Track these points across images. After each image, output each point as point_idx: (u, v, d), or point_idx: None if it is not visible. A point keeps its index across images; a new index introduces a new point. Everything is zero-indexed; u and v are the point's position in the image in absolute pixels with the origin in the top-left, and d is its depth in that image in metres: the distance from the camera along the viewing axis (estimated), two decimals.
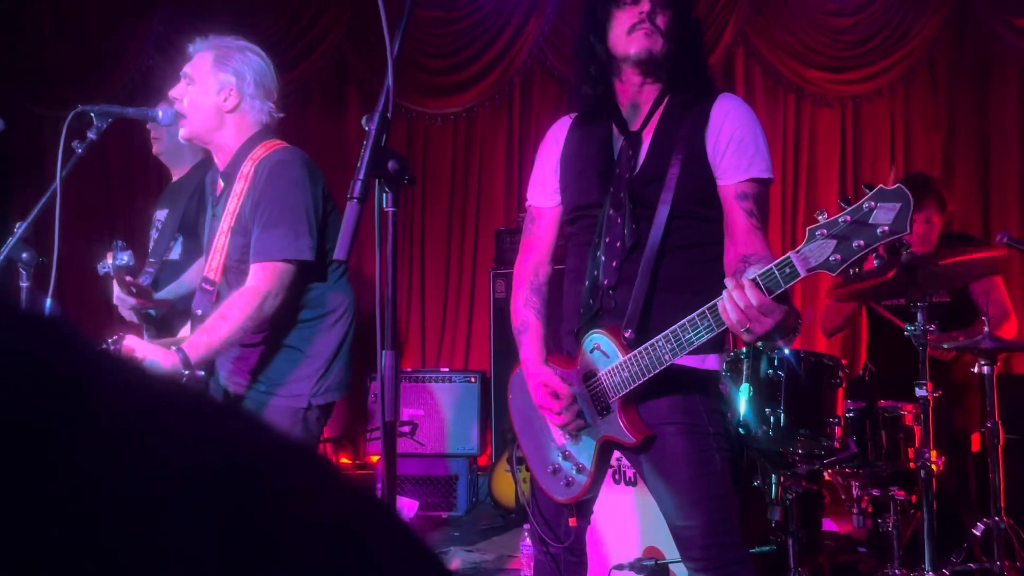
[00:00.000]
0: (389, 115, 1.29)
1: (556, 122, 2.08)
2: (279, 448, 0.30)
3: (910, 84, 5.11)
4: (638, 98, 1.93)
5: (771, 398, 2.72)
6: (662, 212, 1.82)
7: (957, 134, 5.07)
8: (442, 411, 4.71)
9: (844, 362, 2.86)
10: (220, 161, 2.35)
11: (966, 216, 4.96)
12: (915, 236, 3.58)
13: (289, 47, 5.29)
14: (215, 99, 2.28)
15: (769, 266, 1.57)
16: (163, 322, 2.76)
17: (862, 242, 1.49)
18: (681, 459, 1.81)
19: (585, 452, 1.94)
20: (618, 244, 1.86)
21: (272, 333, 2.28)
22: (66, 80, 5.27)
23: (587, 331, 1.88)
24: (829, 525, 3.64)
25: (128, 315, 2.81)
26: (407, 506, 4.59)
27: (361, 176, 1.26)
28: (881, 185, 1.49)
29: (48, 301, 2.13)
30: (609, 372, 1.83)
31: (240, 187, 2.26)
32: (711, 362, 1.89)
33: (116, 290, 2.45)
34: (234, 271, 2.26)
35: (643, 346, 1.76)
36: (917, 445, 2.90)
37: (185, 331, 2.39)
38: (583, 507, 2.00)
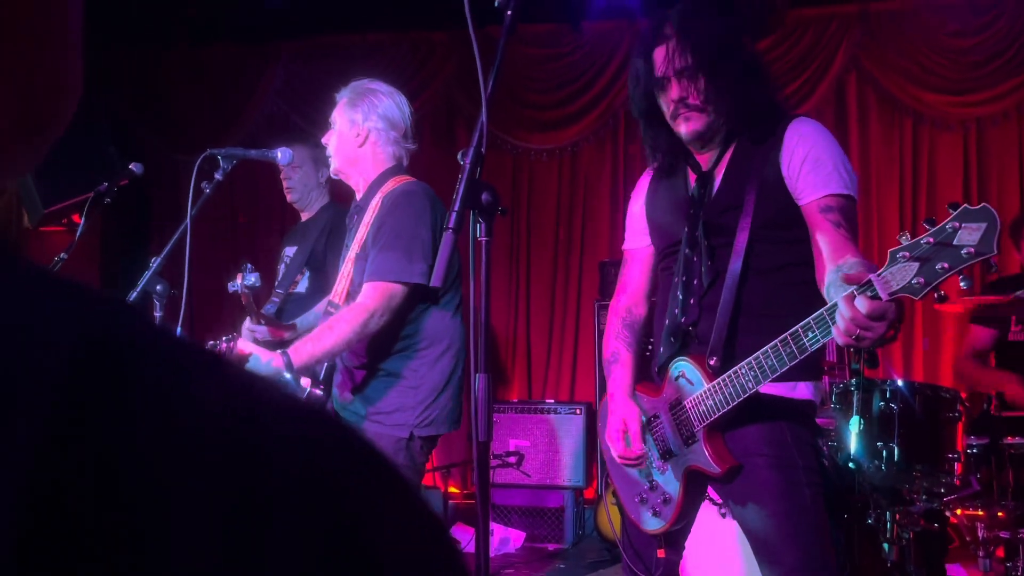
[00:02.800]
0: (483, 150, 1.35)
1: (643, 174, 2.14)
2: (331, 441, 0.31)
3: None
4: (707, 147, 1.95)
5: (884, 432, 2.62)
6: (741, 238, 1.81)
7: None
8: (548, 442, 4.73)
9: (963, 395, 2.73)
10: (358, 194, 2.54)
11: None
12: None
13: (402, 87, 5.49)
14: (348, 136, 2.49)
15: (851, 289, 1.51)
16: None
17: (946, 264, 1.42)
18: (768, 493, 1.76)
19: (672, 482, 1.92)
20: (695, 282, 1.87)
21: (379, 359, 2.37)
22: (197, 127, 5.67)
23: (673, 359, 1.88)
24: (956, 571, 3.44)
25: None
26: (513, 537, 4.62)
27: (456, 208, 1.33)
28: (965, 205, 1.42)
29: (179, 330, 2.30)
30: (694, 400, 1.81)
31: (368, 217, 2.41)
32: (802, 390, 1.83)
33: (246, 323, 2.62)
34: (357, 295, 2.36)
35: (727, 373, 1.74)
36: None
37: None
38: (672, 538, 1.97)
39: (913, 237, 1.46)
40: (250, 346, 2.27)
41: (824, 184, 1.78)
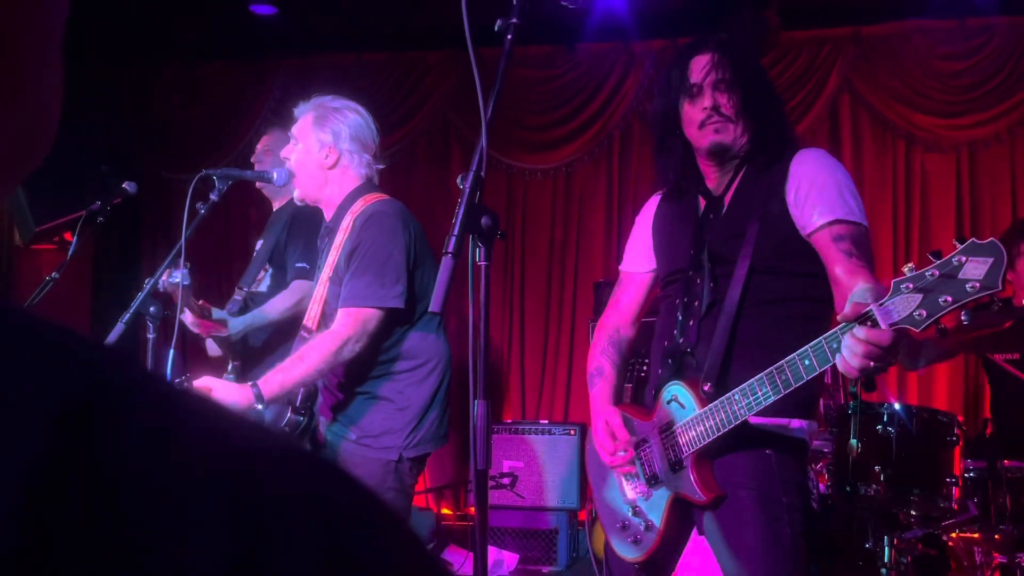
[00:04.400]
0: (483, 174, 1.34)
1: (650, 198, 2.13)
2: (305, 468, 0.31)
3: None
4: (720, 169, 1.94)
5: (882, 455, 2.61)
6: (741, 268, 1.79)
7: None
8: (542, 463, 4.70)
9: (960, 419, 2.72)
10: (328, 216, 2.47)
11: None
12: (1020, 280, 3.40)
13: (396, 108, 5.52)
14: (317, 158, 2.40)
15: (849, 322, 1.50)
16: (249, 362, 2.89)
17: (949, 298, 1.40)
18: (748, 527, 1.73)
19: (656, 509, 1.87)
20: (696, 303, 1.85)
21: (361, 382, 2.34)
22: (191, 145, 5.66)
23: (667, 383, 1.86)
24: None
25: (212, 349, 2.97)
26: (507, 559, 4.57)
27: (456, 232, 1.31)
28: (973, 238, 1.41)
29: (171, 352, 2.27)
30: (685, 425, 1.79)
31: (339, 239, 2.36)
32: (796, 426, 1.80)
33: (187, 316, 2.56)
34: (331, 319, 2.33)
35: (719, 400, 1.72)
36: None
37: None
38: (655, 569, 1.91)
39: (919, 268, 1.45)
40: (215, 384, 2.22)
41: (829, 210, 1.76)
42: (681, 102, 1.89)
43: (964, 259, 1.40)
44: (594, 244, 5.50)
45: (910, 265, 1.45)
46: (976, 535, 2.84)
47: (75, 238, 2.82)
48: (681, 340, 1.86)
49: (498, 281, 5.49)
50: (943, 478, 2.61)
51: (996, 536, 2.83)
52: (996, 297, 1.41)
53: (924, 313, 1.42)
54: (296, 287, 2.97)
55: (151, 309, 2.28)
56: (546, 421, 4.99)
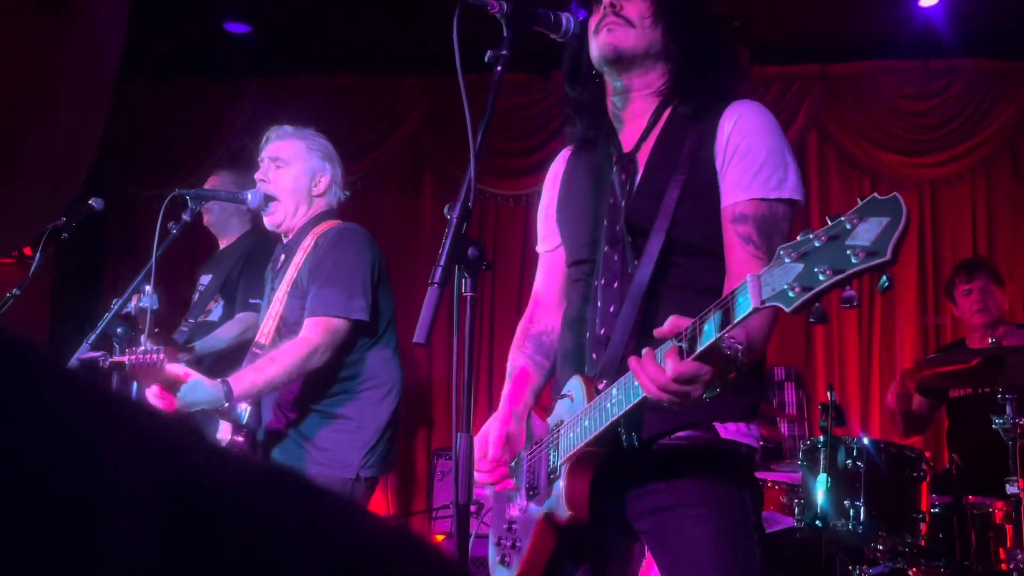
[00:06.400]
0: (470, 205, 1.33)
1: (559, 155, 1.84)
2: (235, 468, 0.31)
3: (991, 167, 5.02)
4: (633, 113, 1.62)
5: (850, 490, 2.62)
6: (655, 244, 1.49)
7: None
8: None
9: (928, 454, 2.75)
10: (285, 237, 2.53)
11: None
12: (969, 307, 3.46)
13: (369, 130, 5.50)
14: (305, 182, 2.47)
15: (708, 310, 1.21)
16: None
17: (828, 269, 1.07)
18: (701, 552, 1.45)
19: (528, 527, 1.56)
20: (615, 284, 1.55)
21: (319, 399, 2.36)
22: (160, 162, 5.58)
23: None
24: None
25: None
26: None
27: (442, 262, 1.30)
28: (875, 193, 1.08)
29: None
30: (568, 424, 1.50)
31: (299, 258, 2.42)
32: (733, 432, 1.50)
33: (144, 344, 2.55)
34: (289, 332, 2.36)
35: (599, 395, 1.43)
36: (1009, 545, 2.74)
37: None
38: None
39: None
40: (192, 372, 2.23)
41: (748, 184, 1.47)
42: (588, 18, 1.60)
43: (858, 220, 1.07)
44: None
45: (807, 229, 1.13)
46: (943, 571, 2.87)
47: (37, 254, 2.75)
48: (602, 332, 1.54)
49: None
50: (910, 513, 2.63)
51: (961, 573, 2.86)
52: (889, 277, 1.06)
53: (798, 288, 1.09)
54: (242, 318, 3.05)
55: (118, 331, 2.24)
56: None
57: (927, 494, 2.69)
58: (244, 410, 2.31)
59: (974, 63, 4.91)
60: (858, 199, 1.11)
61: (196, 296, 3.35)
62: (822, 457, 2.66)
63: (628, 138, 1.63)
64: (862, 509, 2.58)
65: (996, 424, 2.70)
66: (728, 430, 1.50)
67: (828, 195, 5.22)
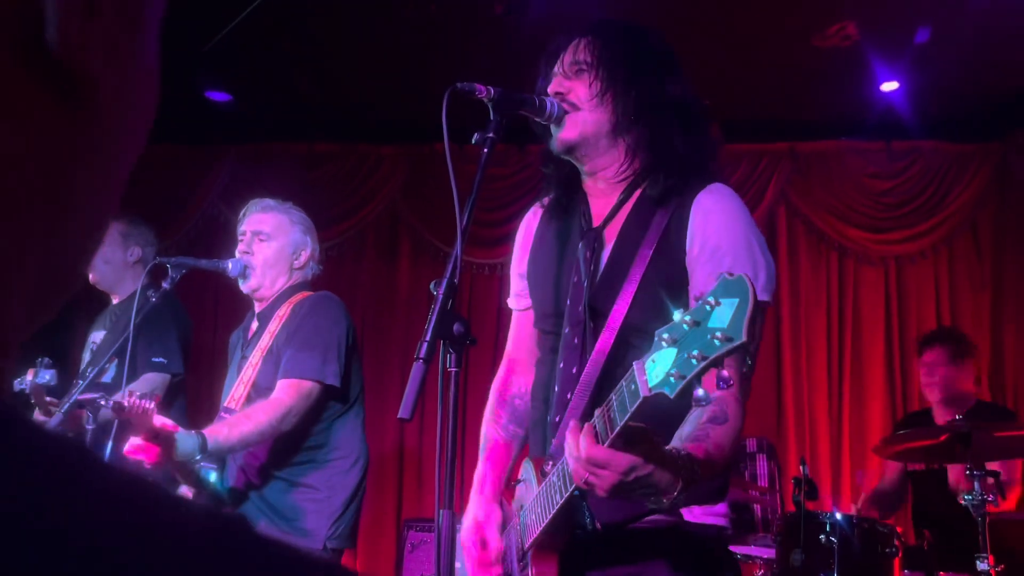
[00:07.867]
0: (456, 281, 1.36)
1: (529, 211, 1.81)
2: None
3: (953, 245, 5.17)
4: (603, 190, 1.62)
5: (824, 565, 2.63)
6: (611, 329, 1.47)
7: (1005, 295, 5.06)
8: None
9: (900, 530, 2.77)
10: (259, 306, 2.57)
11: (1018, 378, 4.87)
12: (923, 381, 3.51)
13: (348, 197, 5.55)
14: (287, 254, 2.55)
15: (612, 393, 1.20)
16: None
17: (698, 354, 1.07)
18: None
19: None
20: (573, 370, 1.52)
21: (284, 467, 2.37)
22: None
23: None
24: None
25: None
26: None
27: (428, 338, 1.32)
28: (724, 273, 1.08)
29: (110, 444, 2.19)
30: (527, 509, 1.50)
31: (274, 326, 2.46)
32: (699, 515, 1.48)
33: (36, 413, 2.52)
34: (260, 397, 2.37)
35: (547, 479, 1.42)
36: None
37: None
38: None
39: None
40: (175, 424, 2.22)
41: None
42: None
43: (715, 303, 1.07)
44: None
45: (680, 309, 1.12)
46: None
47: None
48: (557, 418, 1.53)
49: (436, 374, 5.46)
50: None
51: None
52: (751, 356, 1.08)
53: (677, 373, 1.09)
54: (148, 379, 2.93)
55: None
56: None
57: (899, 570, 2.70)
58: (208, 471, 2.29)
59: (934, 144, 5.11)
60: (715, 277, 1.11)
61: (87, 355, 3.14)
62: (797, 532, 2.67)
63: (599, 211, 1.62)
64: None
65: (965, 500, 2.73)
66: (694, 513, 1.48)
67: (798, 269, 5.33)
